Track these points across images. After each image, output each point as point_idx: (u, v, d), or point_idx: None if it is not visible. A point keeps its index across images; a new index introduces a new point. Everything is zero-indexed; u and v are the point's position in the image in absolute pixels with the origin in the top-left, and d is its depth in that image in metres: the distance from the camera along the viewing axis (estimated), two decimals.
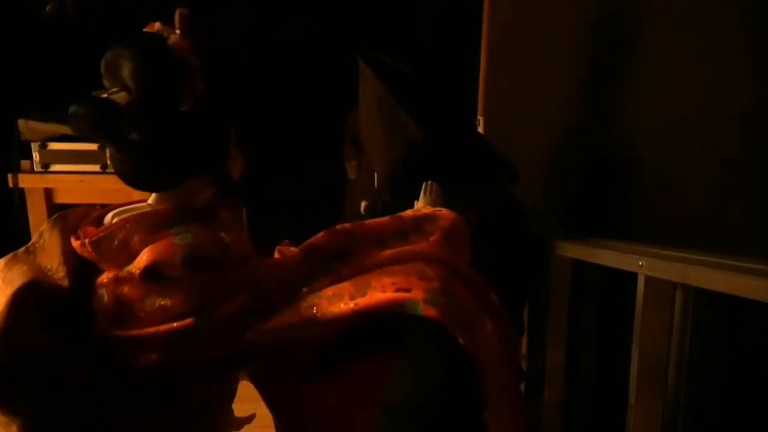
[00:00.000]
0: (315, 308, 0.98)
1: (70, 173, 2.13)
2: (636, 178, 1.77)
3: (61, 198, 2.17)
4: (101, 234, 1.03)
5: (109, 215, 1.10)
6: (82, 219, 1.10)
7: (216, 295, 0.98)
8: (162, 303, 0.97)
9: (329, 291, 0.99)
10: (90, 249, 1.02)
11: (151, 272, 0.96)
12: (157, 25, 1.05)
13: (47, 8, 2.13)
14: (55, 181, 2.14)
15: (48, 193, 2.15)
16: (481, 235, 1.47)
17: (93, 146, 2.09)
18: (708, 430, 1.30)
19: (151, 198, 1.12)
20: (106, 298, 0.99)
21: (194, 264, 0.96)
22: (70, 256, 1.04)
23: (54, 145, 2.11)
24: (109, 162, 1.11)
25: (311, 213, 2.47)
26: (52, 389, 0.95)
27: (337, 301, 0.97)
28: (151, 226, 1.03)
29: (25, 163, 2.13)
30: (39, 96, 2.17)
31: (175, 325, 0.96)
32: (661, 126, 1.68)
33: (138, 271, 0.97)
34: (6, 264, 1.03)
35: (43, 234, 1.08)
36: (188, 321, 0.96)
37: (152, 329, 0.96)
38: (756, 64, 1.48)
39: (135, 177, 1.06)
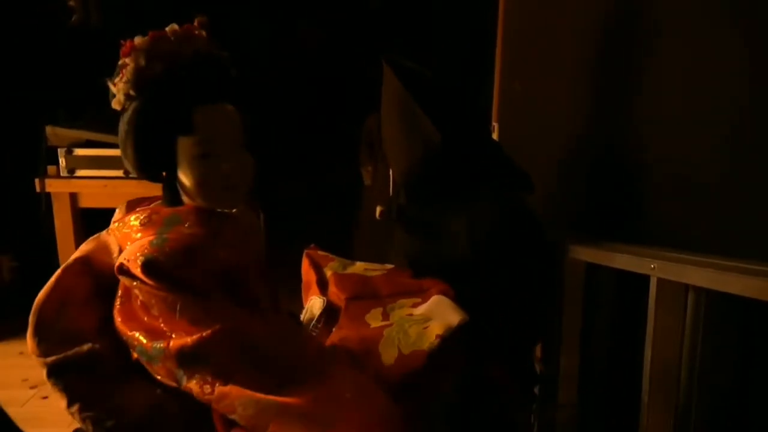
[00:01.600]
0: None
1: (95, 178, 2.19)
2: (649, 182, 1.77)
3: (85, 202, 2.23)
4: (119, 221, 1.13)
5: (143, 207, 1.16)
6: (135, 207, 1.17)
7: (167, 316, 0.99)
8: (143, 298, 1.01)
9: None
10: (111, 234, 1.12)
11: (121, 269, 1.01)
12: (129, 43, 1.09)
13: (73, 18, 2.20)
14: (80, 186, 2.21)
15: (73, 197, 2.22)
16: (499, 245, 1.50)
17: (117, 152, 2.14)
18: (721, 428, 1.30)
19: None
20: (120, 284, 1.06)
21: (149, 269, 0.97)
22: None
23: (79, 151, 2.18)
24: None
25: (327, 218, 2.50)
26: (72, 346, 1.04)
27: None
28: (148, 221, 1.08)
29: (51, 169, 2.20)
30: (66, 104, 2.23)
31: (140, 338, 1.00)
32: (674, 129, 1.68)
33: (117, 265, 1.02)
34: (91, 238, 1.17)
35: (114, 217, 1.19)
36: (147, 344, 0.98)
37: (129, 332, 1.02)
38: (766, 65, 1.48)
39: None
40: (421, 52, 1.66)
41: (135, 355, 1.03)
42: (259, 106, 1.24)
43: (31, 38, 2.33)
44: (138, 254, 0.99)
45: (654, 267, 1.26)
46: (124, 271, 1.00)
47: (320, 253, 1.50)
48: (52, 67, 2.32)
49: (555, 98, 1.98)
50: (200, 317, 0.97)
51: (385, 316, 1.20)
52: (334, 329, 1.21)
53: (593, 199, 1.94)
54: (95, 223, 2.26)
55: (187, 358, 0.96)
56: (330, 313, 1.27)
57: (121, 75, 1.04)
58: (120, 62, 1.05)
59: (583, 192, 1.97)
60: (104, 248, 1.12)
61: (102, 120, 2.24)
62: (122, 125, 1.07)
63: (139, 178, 1.14)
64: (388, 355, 1.08)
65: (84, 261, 1.11)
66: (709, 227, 1.54)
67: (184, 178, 1.09)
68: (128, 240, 1.07)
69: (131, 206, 1.18)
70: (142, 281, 0.98)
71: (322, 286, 1.36)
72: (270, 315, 1.15)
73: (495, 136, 2.00)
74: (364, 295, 1.27)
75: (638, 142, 1.80)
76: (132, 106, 1.05)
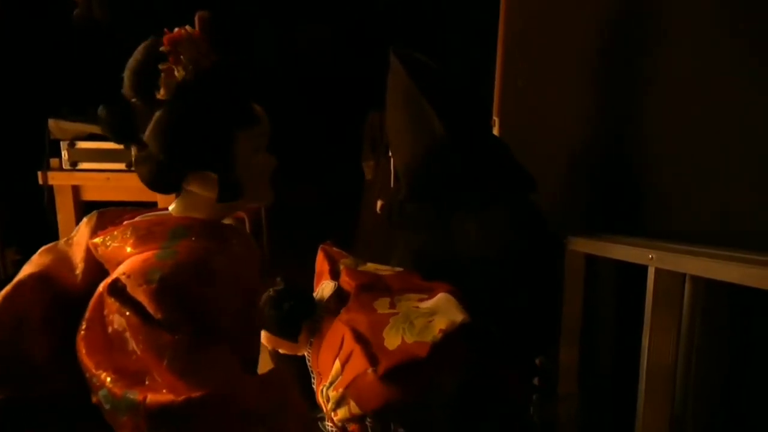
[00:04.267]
0: None
1: (98, 171, 2.20)
2: (650, 178, 1.78)
3: (88, 195, 2.24)
4: (102, 235, 0.98)
5: (137, 219, 1.04)
6: (116, 218, 1.05)
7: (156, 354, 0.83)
8: (120, 327, 0.85)
9: None
10: (92, 249, 0.98)
11: (114, 287, 0.87)
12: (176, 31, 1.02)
13: (76, 11, 2.21)
14: (82, 179, 2.21)
15: (76, 190, 2.22)
16: (509, 246, 1.51)
17: (119, 145, 2.15)
18: (718, 417, 1.32)
19: (171, 204, 1.08)
20: (90, 306, 0.90)
21: (163, 292, 0.85)
22: (91, 254, 1.00)
23: (82, 144, 2.18)
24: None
25: (328, 213, 2.50)
26: (23, 382, 0.88)
27: None
28: (147, 233, 0.96)
29: (54, 162, 2.21)
30: (68, 96, 2.24)
31: (107, 380, 0.83)
32: (675, 127, 1.69)
33: (108, 283, 0.89)
34: (44, 249, 1.03)
35: (80, 228, 1.06)
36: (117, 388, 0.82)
37: (94, 369, 0.85)
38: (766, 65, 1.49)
39: (139, 176, 1.02)
40: (423, 48, 1.66)
41: (95, 398, 0.85)
42: (260, 105, 1.23)
43: (34, 31, 2.34)
44: (145, 272, 0.86)
45: (652, 257, 1.27)
46: (117, 290, 0.86)
47: (335, 249, 1.52)
48: (55, 60, 2.33)
49: (556, 94, 1.98)
50: (191, 371, 0.82)
51: (392, 305, 1.22)
52: (342, 310, 1.23)
53: (594, 194, 1.94)
54: None
55: (166, 420, 0.80)
56: (340, 296, 1.29)
57: (171, 63, 0.94)
58: (164, 49, 0.95)
59: (584, 188, 1.97)
60: (64, 262, 1.00)
61: None
62: (172, 116, 0.94)
63: (169, 177, 1.01)
64: (392, 341, 1.10)
65: (39, 278, 0.96)
66: (710, 225, 1.55)
67: (237, 171, 1.00)
68: (118, 256, 0.94)
69: (106, 218, 1.05)
70: (138, 308, 0.84)
71: (335, 276, 1.38)
72: (267, 376, 1.00)
73: (495, 130, 2.01)
74: (374, 286, 1.29)
75: (639, 139, 1.81)
76: (187, 96, 0.95)
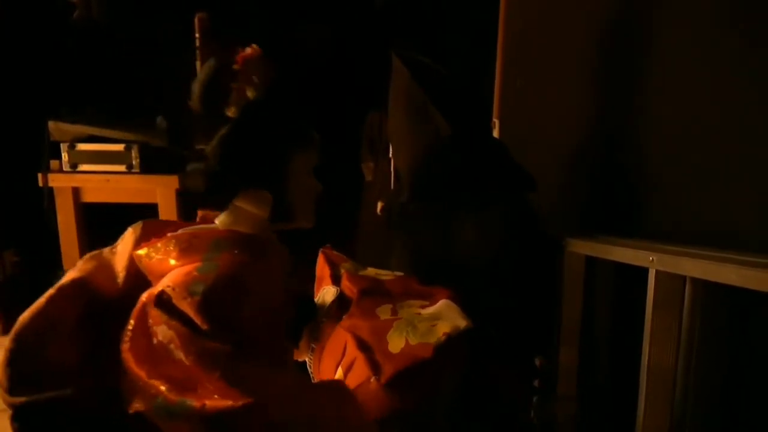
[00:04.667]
0: None
1: (97, 173, 2.20)
2: (649, 178, 1.78)
3: (88, 197, 2.24)
4: (146, 247, 1.00)
5: (179, 231, 1.05)
6: (160, 230, 1.05)
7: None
8: (165, 339, 0.86)
9: None
10: (135, 260, 1.00)
11: (160, 299, 0.88)
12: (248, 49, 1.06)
13: (75, 13, 2.21)
14: (82, 181, 2.21)
15: (76, 192, 2.22)
16: (510, 250, 1.51)
17: (119, 147, 2.16)
18: (717, 418, 1.32)
19: (217, 218, 1.08)
20: (133, 316, 0.91)
21: (206, 306, 0.86)
22: (134, 264, 1.01)
23: (82, 146, 2.18)
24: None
25: (327, 214, 2.49)
26: (50, 386, 0.88)
27: None
28: (188, 246, 0.97)
29: (54, 163, 2.20)
30: (68, 98, 2.24)
31: (162, 389, 0.83)
32: (674, 127, 1.69)
33: (154, 294, 0.91)
34: (89, 256, 1.05)
35: (124, 237, 1.07)
36: (172, 396, 0.82)
37: (146, 378, 0.85)
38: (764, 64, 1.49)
39: (190, 186, 1.05)
40: (422, 49, 1.66)
41: (137, 406, 0.85)
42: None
43: (34, 34, 2.34)
44: (188, 285, 0.87)
45: (653, 259, 1.27)
46: (163, 302, 0.87)
47: (335, 252, 1.52)
48: (55, 62, 2.33)
49: (556, 94, 1.98)
50: (241, 379, 0.84)
51: (394, 312, 1.23)
52: (344, 316, 1.23)
53: (593, 195, 1.95)
54: (98, 217, 2.28)
55: (224, 425, 0.81)
56: (342, 302, 1.29)
57: (242, 82, 1.00)
58: (237, 66, 1.00)
59: (583, 189, 1.98)
60: (106, 269, 1.02)
61: (104, 115, 2.25)
62: (238, 133, 1.00)
63: (226, 192, 1.04)
64: (396, 344, 1.10)
65: (80, 284, 0.97)
66: (709, 226, 1.55)
67: (290, 192, 1.05)
68: (162, 268, 0.97)
69: (150, 228, 1.07)
70: (184, 319, 0.85)
71: (336, 281, 1.38)
72: (304, 385, 1.01)
73: (495, 132, 2.01)
74: (376, 292, 1.29)
75: (638, 139, 1.81)
76: (255, 115, 1.00)
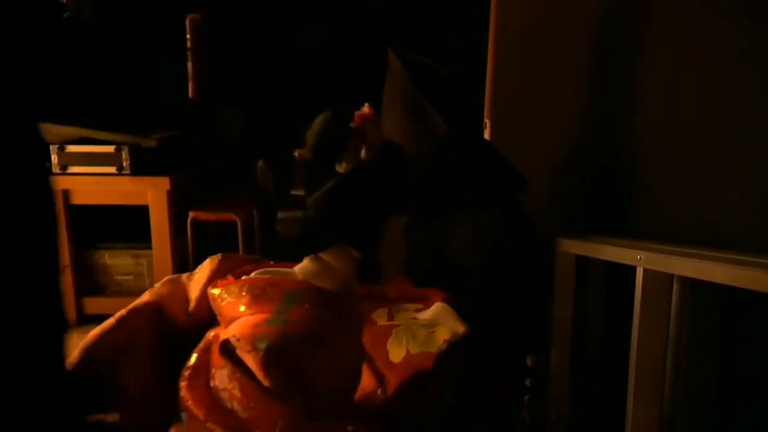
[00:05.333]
0: None
1: (87, 175, 2.19)
2: (640, 179, 1.80)
3: (78, 199, 2.23)
4: (221, 287, 0.98)
5: (253, 274, 1.03)
6: (237, 266, 1.05)
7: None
8: (221, 385, 0.85)
9: None
10: (209, 298, 0.99)
11: (224, 348, 0.87)
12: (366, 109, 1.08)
13: (65, 14, 2.20)
14: (72, 183, 2.20)
15: (66, 194, 2.21)
16: (502, 253, 1.51)
17: (109, 149, 2.15)
18: (707, 415, 1.33)
19: (298, 266, 1.05)
20: (196, 350, 0.91)
21: (270, 360, 0.84)
22: (206, 297, 1.01)
23: (72, 148, 2.17)
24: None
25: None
26: (111, 406, 0.88)
27: None
28: (262, 294, 0.95)
29: None
30: (58, 100, 2.23)
31: None
32: (666, 128, 1.70)
33: (220, 339, 0.89)
34: (167, 279, 1.06)
35: (203, 266, 1.07)
36: None
37: (209, 423, 0.84)
38: (764, 66, 1.49)
39: (281, 231, 1.05)
40: (418, 48, 1.67)
41: None
42: (258, 105, 1.24)
43: (24, 34, 2.32)
44: (253, 338, 0.85)
45: (640, 258, 1.28)
46: (228, 350, 0.86)
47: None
48: (44, 62, 2.32)
49: (547, 95, 1.99)
50: None
51: (391, 316, 1.24)
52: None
53: (584, 195, 1.96)
54: (87, 219, 2.27)
55: None
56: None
57: (357, 138, 1.03)
58: (357, 126, 1.04)
59: (575, 188, 1.98)
60: (180, 294, 1.02)
61: (94, 117, 2.24)
62: (345, 189, 1.01)
63: (316, 244, 1.03)
64: (396, 353, 1.11)
65: (155, 306, 0.99)
66: (699, 227, 1.56)
67: (381, 253, 1.09)
68: (232, 312, 0.95)
69: (227, 264, 1.06)
70: (249, 373, 0.84)
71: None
72: None
73: (487, 133, 2.02)
74: (370, 295, 1.29)
75: (630, 140, 1.82)
76: (364, 175, 1.03)
